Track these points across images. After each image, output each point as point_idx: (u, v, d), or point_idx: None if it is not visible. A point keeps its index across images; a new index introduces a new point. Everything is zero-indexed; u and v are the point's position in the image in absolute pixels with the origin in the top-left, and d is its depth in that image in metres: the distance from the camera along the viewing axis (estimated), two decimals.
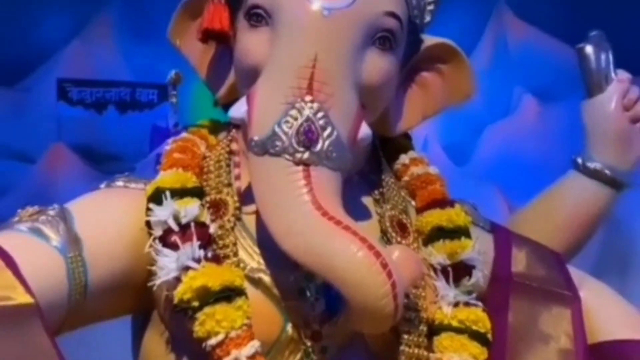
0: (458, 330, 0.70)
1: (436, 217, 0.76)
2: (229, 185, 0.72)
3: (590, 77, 1.04)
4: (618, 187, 1.03)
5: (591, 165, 1.02)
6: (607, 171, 1.02)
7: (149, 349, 0.72)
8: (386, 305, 0.58)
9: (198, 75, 0.81)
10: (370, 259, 0.58)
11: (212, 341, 0.61)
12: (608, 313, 0.85)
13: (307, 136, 0.63)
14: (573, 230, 1.04)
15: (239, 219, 0.70)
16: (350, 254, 0.59)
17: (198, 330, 0.61)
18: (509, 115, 2.65)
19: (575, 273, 0.88)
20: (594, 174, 1.02)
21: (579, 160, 1.04)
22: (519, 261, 0.84)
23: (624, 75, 1.04)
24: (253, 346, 0.61)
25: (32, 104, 2.43)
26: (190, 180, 0.70)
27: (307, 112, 0.64)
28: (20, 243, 0.59)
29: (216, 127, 0.80)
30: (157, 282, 0.63)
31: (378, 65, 0.70)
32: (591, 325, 0.83)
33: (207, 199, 0.70)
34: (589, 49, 1.03)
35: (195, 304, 0.61)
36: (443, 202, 0.78)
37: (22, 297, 0.52)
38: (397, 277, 0.58)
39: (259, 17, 0.69)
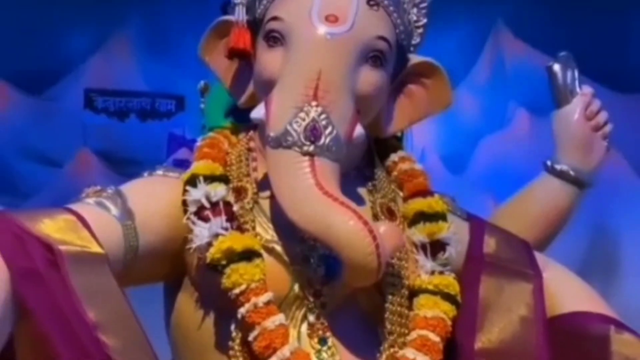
0: (433, 292, 0.83)
1: (418, 204, 0.90)
2: (248, 175, 0.87)
3: (558, 91, 1.17)
4: (581, 186, 1.17)
5: (558, 166, 1.16)
6: (571, 172, 1.15)
7: (181, 309, 0.86)
8: (371, 262, 0.73)
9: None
10: (359, 226, 0.73)
11: (236, 290, 0.75)
12: (567, 290, 0.97)
13: (313, 133, 0.77)
14: (544, 224, 1.17)
15: (256, 202, 0.85)
16: (344, 222, 0.73)
17: (225, 282, 0.76)
18: (504, 128, 2.77)
19: (541, 257, 1.01)
20: (561, 175, 1.16)
21: (549, 163, 1.18)
22: (490, 245, 0.97)
23: (587, 90, 1.17)
24: (267, 296, 0.76)
25: (60, 111, 2.58)
26: (218, 169, 0.84)
27: (312, 114, 0.78)
28: (90, 212, 0.74)
29: (236, 129, 0.95)
30: (194, 245, 0.78)
31: (370, 78, 0.84)
32: (552, 301, 0.94)
33: (231, 185, 0.84)
34: (556, 67, 1.17)
35: (224, 262, 0.76)
36: (425, 192, 0.92)
37: (96, 248, 0.67)
38: (381, 242, 0.73)
39: (275, 40, 0.84)
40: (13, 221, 0.60)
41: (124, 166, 2.39)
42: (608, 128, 1.18)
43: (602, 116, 1.17)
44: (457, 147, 2.79)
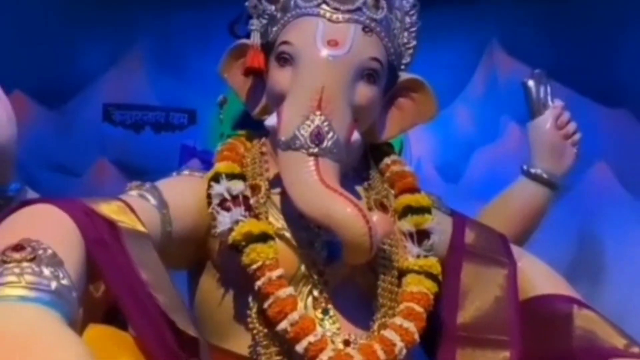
0: (418, 272, 0.97)
1: (407, 200, 1.04)
2: (262, 174, 1.00)
3: (532, 104, 1.30)
4: (554, 187, 1.29)
5: (533, 170, 1.29)
6: (545, 175, 1.28)
7: (204, 288, 0.99)
8: (365, 241, 0.86)
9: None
10: (355, 212, 0.86)
11: (254, 266, 0.89)
12: (538, 277, 1.08)
13: (317, 137, 0.90)
14: (521, 220, 1.28)
15: (268, 197, 0.98)
16: (343, 209, 0.87)
17: (245, 259, 0.89)
18: (496, 140, 2.77)
19: (516, 249, 1.13)
20: (535, 177, 1.29)
21: (525, 167, 1.31)
22: (471, 236, 1.10)
23: (558, 103, 1.30)
24: (280, 271, 0.89)
25: (79, 124, 2.71)
26: (237, 169, 0.99)
27: (317, 121, 0.91)
28: (135, 201, 0.87)
29: (250, 136, 1.08)
30: (218, 230, 0.91)
31: (366, 93, 0.97)
32: (525, 286, 1.06)
33: (247, 182, 0.98)
34: (530, 83, 1.30)
35: (243, 243, 0.90)
36: (413, 190, 1.05)
37: (142, 228, 0.80)
38: (373, 226, 0.87)
39: (285, 60, 0.97)
40: (82, 203, 0.74)
41: (139, 175, 2.51)
42: (577, 136, 1.30)
43: (572, 126, 1.30)
44: (452, 157, 2.90)
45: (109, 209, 0.77)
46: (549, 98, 1.32)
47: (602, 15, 3.08)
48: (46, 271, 0.52)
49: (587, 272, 2.28)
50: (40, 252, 0.54)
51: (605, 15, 3.07)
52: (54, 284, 0.52)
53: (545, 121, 1.29)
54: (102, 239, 0.68)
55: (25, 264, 0.51)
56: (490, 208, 1.36)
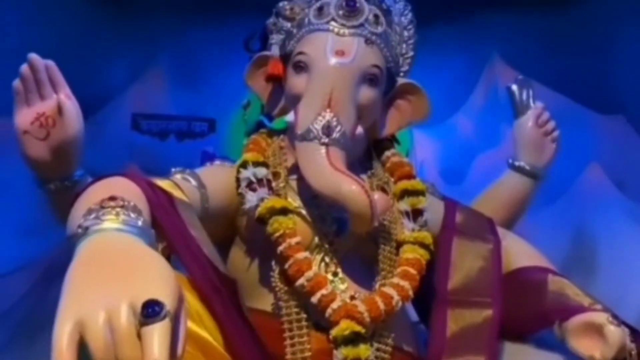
0: (413, 243, 1.13)
1: (404, 185, 1.20)
2: (281, 164, 1.17)
3: (515, 106, 1.48)
4: (536, 178, 1.46)
5: (517, 163, 1.46)
6: (527, 167, 1.45)
7: (234, 259, 1.16)
8: (368, 212, 1.01)
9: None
10: (359, 188, 1.02)
11: (276, 234, 1.04)
12: (520, 253, 1.21)
13: (327, 130, 1.05)
14: (507, 207, 1.45)
15: (287, 182, 1.15)
16: (349, 185, 1.01)
17: (269, 229, 1.04)
18: (496, 146, 2.89)
19: (501, 230, 1.28)
20: (519, 169, 1.46)
21: (510, 161, 1.48)
22: (460, 218, 1.25)
23: (539, 104, 1.48)
24: (297, 239, 1.05)
25: (108, 133, 2.92)
26: (261, 158, 1.16)
27: (327, 117, 1.07)
28: (180, 181, 1.04)
29: (270, 133, 1.26)
30: (246, 207, 1.08)
31: (368, 94, 1.13)
32: (509, 260, 1.18)
33: (270, 170, 1.17)
34: (514, 87, 1.48)
35: (267, 215, 1.06)
36: (409, 176, 1.22)
37: (188, 201, 1.00)
38: (374, 201, 1.04)
39: (301, 68, 1.13)
40: (144, 177, 0.93)
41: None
42: (556, 133, 1.47)
43: (551, 124, 1.47)
44: (455, 163, 3.07)
45: (163, 184, 0.96)
46: (531, 100, 1.49)
47: (598, 28, 3.23)
48: (132, 215, 0.71)
49: (580, 268, 2.41)
50: (126, 203, 0.72)
51: (601, 28, 3.22)
52: (140, 222, 0.71)
53: (528, 120, 1.46)
54: (162, 204, 0.86)
55: (118, 209, 0.70)
56: (481, 197, 1.53)
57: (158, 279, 0.59)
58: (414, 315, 1.27)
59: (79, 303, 0.56)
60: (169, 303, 0.56)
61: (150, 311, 0.54)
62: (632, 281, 2.35)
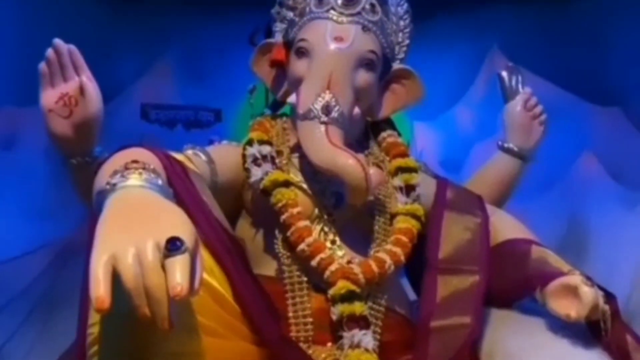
0: (405, 214, 1.21)
1: (398, 162, 1.28)
2: (284, 143, 1.26)
3: (505, 91, 1.57)
4: (524, 159, 1.53)
5: (506, 145, 1.53)
6: (515, 148, 1.52)
7: (241, 229, 1.24)
8: (363, 184, 1.09)
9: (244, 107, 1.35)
10: (355, 162, 1.10)
11: (280, 204, 1.11)
12: (506, 227, 1.26)
13: (327, 109, 1.13)
14: (497, 186, 1.52)
15: (289, 159, 1.23)
16: (346, 159, 1.09)
17: (273, 199, 1.12)
18: (493, 135, 3.05)
19: (490, 207, 1.34)
20: (508, 151, 1.53)
21: (499, 142, 1.57)
22: (451, 194, 1.32)
23: (527, 90, 1.55)
24: (299, 209, 1.14)
25: (118, 123, 3.02)
26: (265, 137, 1.24)
27: (327, 98, 1.14)
28: (191, 156, 1.12)
29: (274, 116, 1.35)
30: (252, 180, 1.17)
31: (365, 77, 1.20)
32: (496, 234, 1.22)
33: (273, 148, 1.26)
34: (504, 74, 1.56)
35: (271, 187, 1.15)
36: (404, 155, 1.31)
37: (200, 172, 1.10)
38: (369, 174, 1.12)
39: (302, 53, 1.20)
40: (160, 149, 1.03)
41: None
42: (543, 117, 1.55)
43: (539, 108, 1.55)
44: (454, 153, 3.14)
45: (177, 157, 1.06)
46: (520, 86, 1.57)
47: (596, 22, 3.29)
48: (153, 175, 0.81)
49: (574, 251, 2.48)
50: (147, 165, 0.81)
51: (599, 22, 3.28)
52: (159, 181, 0.80)
53: (516, 104, 1.54)
54: (176, 171, 0.96)
55: (140, 170, 0.80)
56: (473, 177, 1.61)
57: (179, 222, 0.69)
58: (411, 294, 1.34)
59: (112, 241, 0.66)
60: (188, 241, 0.66)
61: (172, 246, 0.64)
62: (623, 265, 2.42)
